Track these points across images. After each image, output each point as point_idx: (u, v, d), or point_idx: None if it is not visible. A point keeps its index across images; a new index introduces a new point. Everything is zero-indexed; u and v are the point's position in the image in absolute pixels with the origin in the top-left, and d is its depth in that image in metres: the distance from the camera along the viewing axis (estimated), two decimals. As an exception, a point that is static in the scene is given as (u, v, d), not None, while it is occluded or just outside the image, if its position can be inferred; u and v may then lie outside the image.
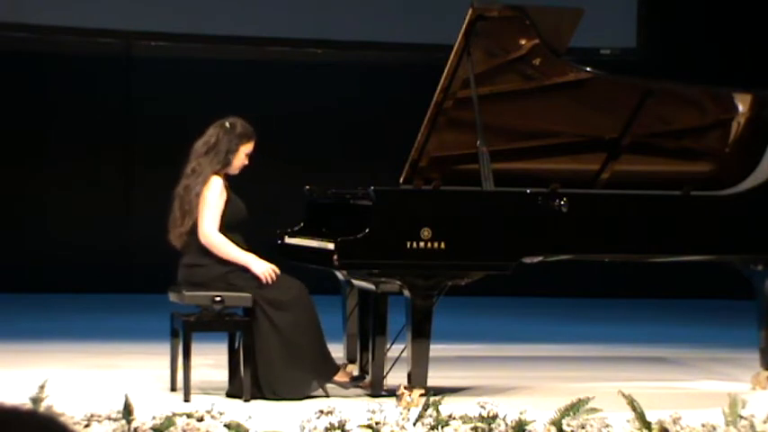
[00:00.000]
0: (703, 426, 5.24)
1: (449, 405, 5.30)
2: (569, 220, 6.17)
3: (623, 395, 5.25)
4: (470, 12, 6.21)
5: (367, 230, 5.95)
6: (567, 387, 6.57)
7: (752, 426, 5.22)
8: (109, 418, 5.04)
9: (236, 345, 6.31)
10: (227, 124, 6.31)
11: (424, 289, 5.97)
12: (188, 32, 11.90)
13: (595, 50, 11.73)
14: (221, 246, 6.18)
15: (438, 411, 5.19)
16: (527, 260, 6.19)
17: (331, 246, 6.03)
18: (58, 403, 5.16)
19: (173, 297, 6.31)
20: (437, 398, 5.26)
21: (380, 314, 6.31)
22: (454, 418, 5.18)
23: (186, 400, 5.99)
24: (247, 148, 6.32)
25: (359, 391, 6.33)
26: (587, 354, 8.34)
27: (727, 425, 5.24)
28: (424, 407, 5.23)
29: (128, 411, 5.07)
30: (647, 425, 5.19)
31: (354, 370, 6.61)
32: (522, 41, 6.41)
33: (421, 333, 5.97)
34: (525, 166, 6.76)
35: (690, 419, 5.25)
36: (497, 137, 6.55)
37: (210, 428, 5.01)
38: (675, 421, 5.20)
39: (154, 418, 5.06)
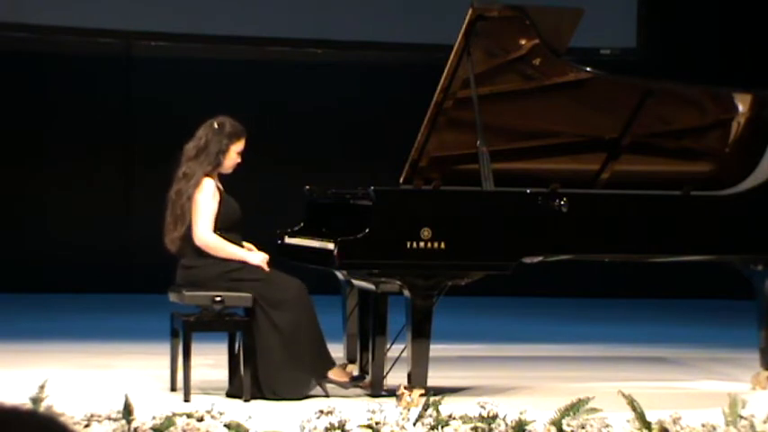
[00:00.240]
0: (703, 426, 5.23)
1: (449, 405, 5.30)
2: (569, 220, 6.17)
3: (623, 395, 5.25)
4: (470, 12, 6.21)
5: (367, 230, 5.95)
6: (567, 387, 6.57)
7: (752, 426, 5.22)
8: (109, 418, 5.04)
9: (237, 345, 6.31)
10: (216, 124, 6.30)
11: (424, 289, 5.97)
12: (188, 32, 11.90)
13: (595, 50, 11.73)
14: (217, 246, 6.19)
15: (438, 411, 5.19)
16: (527, 260, 6.19)
17: (331, 246, 6.03)
18: (58, 403, 5.16)
19: (173, 297, 6.31)
20: (437, 398, 5.26)
21: (380, 314, 6.31)
22: (454, 418, 5.18)
23: (186, 400, 5.99)
24: (238, 146, 6.31)
25: (359, 391, 6.33)
26: (587, 354, 8.34)
27: (727, 425, 5.24)
28: (424, 407, 5.23)
29: (128, 411, 5.07)
30: (647, 425, 5.19)
31: (354, 370, 6.61)
32: (522, 41, 6.41)
33: (421, 333, 5.97)
34: (525, 166, 6.76)
35: (690, 419, 5.25)
36: (497, 137, 6.55)
37: (210, 428, 5.01)
38: (675, 421, 5.20)
39: (154, 418, 5.06)
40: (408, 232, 5.94)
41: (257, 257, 6.24)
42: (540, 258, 6.25)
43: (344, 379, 6.31)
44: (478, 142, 6.25)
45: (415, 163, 6.60)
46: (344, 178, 7.40)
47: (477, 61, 6.31)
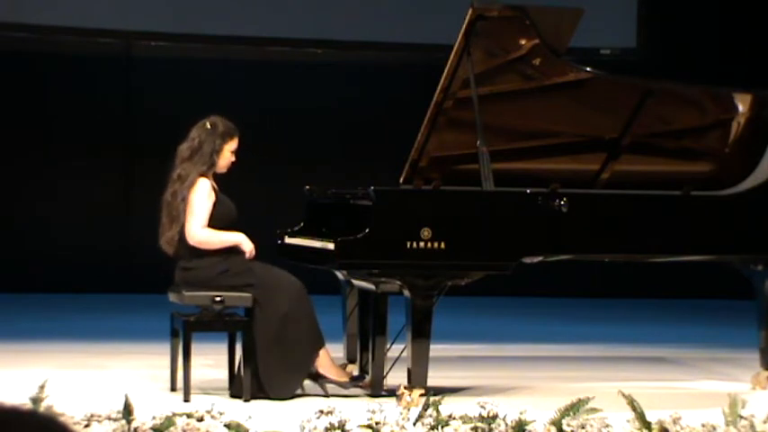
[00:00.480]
0: (703, 426, 5.23)
1: (449, 405, 5.30)
2: (569, 220, 6.17)
3: (623, 395, 5.25)
4: (470, 12, 6.21)
5: (367, 230, 5.95)
6: (567, 387, 6.57)
7: (752, 426, 5.22)
8: (109, 418, 5.04)
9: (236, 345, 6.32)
10: (209, 125, 6.30)
11: (424, 289, 5.97)
12: (188, 32, 11.90)
13: (595, 50, 11.73)
14: (210, 240, 6.19)
15: (438, 411, 5.19)
16: (527, 260, 6.19)
17: (331, 246, 6.03)
18: (58, 403, 5.16)
19: (173, 297, 6.31)
20: (437, 398, 5.26)
21: (380, 314, 6.31)
22: (454, 418, 5.18)
23: (186, 400, 5.99)
24: (231, 145, 6.32)
25: (359, 391, 6.33)
26: (587, 354, 8.34)
27: (727, 425, 5.24)
28: (424, 407, 5.23)
29: (128, 411, 5.07)
30: (647, 425, 5.19)
31: (354, 370, 6.61)
32: (522, 41, 6.41)
33: (421, 333, 5.97)
34: (525, 166, 6.76)
35: (690, 419, 5.25)
36: (497, 137, 6.55)
37: (210, 428, 5.01)
38: (675, 421, 5.20)
39: (154, 418, 5.06)
40: (408, 232, 5.94)
41: (250, 245, 6.24)
42: (540, 258, 6.25)
43: (344, 379, 6.31)
44: (478, 142, 6.25)
45: (415, 163, 6.60)
46: (344, 178, 7.42)
47: (477, 61, 6.31)
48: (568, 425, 5.15)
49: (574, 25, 6.45)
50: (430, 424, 5.14)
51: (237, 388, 6.16)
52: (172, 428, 5.02)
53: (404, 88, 11.74)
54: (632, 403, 5.23)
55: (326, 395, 6.19)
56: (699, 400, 6.34)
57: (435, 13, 11.47)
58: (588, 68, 6.57)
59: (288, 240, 6.77)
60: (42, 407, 5.07)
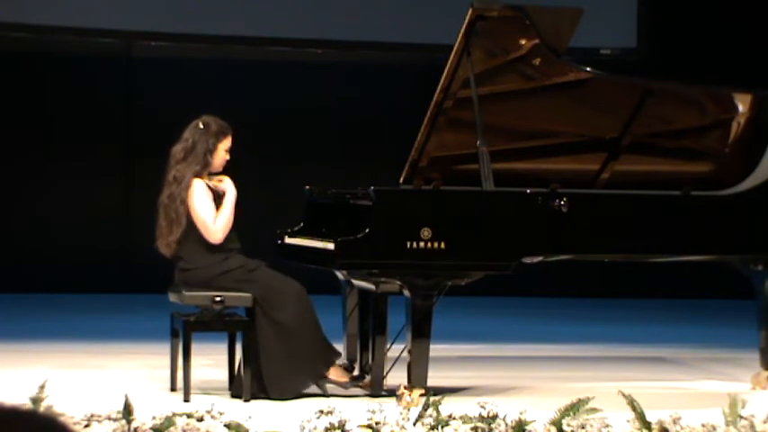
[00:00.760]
0: (703, 426, 5.23)
1: (449, 405, 5.29)
2: (569, 220, 6.17)
3: (623, 395, 5.25)
4: (470, 12, 6.21)
5: (367, 230, 5.95)
6: (567, 387, 6.57)
7: (752, 426, 5.22)
8: (109, 418, 5.04)
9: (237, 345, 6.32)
10: (201, 124, 6.30)
11: (424, 289, 5.97)
12: (188, 32, 11.89)
13: (595, 50, 11.73)
14: (227, 224, 6.22)
15: (438, 411, 5.19)
16: (527, 260, 6.19)
17: (331, 246, 6.03)
18: (58, 403, 5.16)
19: (173, 297, 6.31)
20: (437, 398, 5.26)
21: (380, 314, 6.32)
22: (454, 418, 5.18)
23: (186, 400, 5.99)
24: (225, 144, 6.32)
25: (359, 391, 6.33)
26: (587, 354, 8.34)
27: (727, 425, 5.24)
28: (424, 407, 5.23)
29: (128, 411, 5.07)
30: (647, 425, 5.19)
31: (354, 370, 6.61)
32: (522, 41, 6.41)
33: (421, 333, 5.97)
34: (525, 166, 6.76)
35: (690, 419, 5.25)
36: (497, 137, 6.55)
37: (210, 428, 5.01)
38: (675, 421, 5.20)
39: (154, 418, 5.06)
40: (408, 232, 5.94)
41: (234, 189, 6.28)
42: (540, 258, 6.25)
43: (344, 379, 6.31)
44: (478, 142, 6.25)
45: (415, 163, 6.60)
46: (344, 178, 7.42)
47: (477, 61, 6.31)
48: (568, 425, 5.14)
49: (574, 25, 6.45)
50: (430, 424, 5.14)
51: (237, 388, 6.16)
52: (172, 428, 5.02)
53: (404, 88, 11.75)
54: (632, 403, 5.23)
55: (326, 395, 6.19)
56: (699, 400, 6.34)
57: (435, 13, 11.47)
58: (588, 68, 6.57)
59: (288, 240, 6.77)
60: (42, 407, 5.07)
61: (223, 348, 6.42)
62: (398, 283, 6.01)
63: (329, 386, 6.26)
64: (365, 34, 12.04)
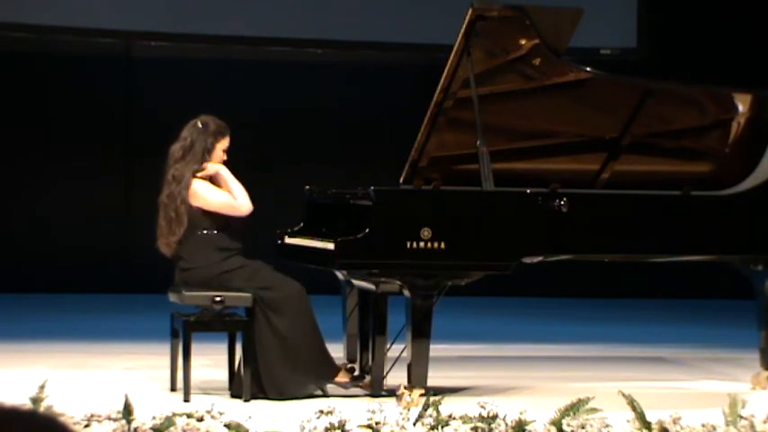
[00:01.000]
0: (703, 426, 5.23)
1: (449, 405, 5.29)
2: (569, 220, 6.17)
3: (623, 395, 5.25)
4: (470, 12, 6.20)
5: (367, 230, 5.95)
6: (567, 387, 6.57)
7: (752, 426, 5.22)
8: (109, 418, 5.04)
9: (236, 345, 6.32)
10: (200, 123, 6.31)
11: (424, 289, 5.97)
12: (188, 32, 11.90)
13: (595, 50, 11.73)
14: (245, 193, 6.27)
15: (438, 411, 5.19)
16: (527, 260, 6.19)
17: (331, 246, 6.03)
18: (58, 403, 5.16)
19: (173, 297, 6.31)
20: (437, 398, 5.26)
21: (380, 314, 6.32)
22: (454, 418, 5.18)
23: (186, 400, 5.99)
24: (223, 144, 6.33)
25: (359, 391, 6.33)
26: (587, 354, 8.34)
27: (727, 425, 5.24)
28: (424, 407, 5.23)
29: (128, 411, 5.07)
30: (647, 425, 5.19)
31: (354, 370, 6.61)
32: (522, 41, 6.41)
33: (421, 333, 5.97)
34: (525, 166, 6.76)
35: (690, 419, 5.25)
36: (497, 137, 6.55)
37: (210, 428, 5.01)
38: (675, 421, 5.20)
39: (154, 418, 5.06)
40: (408, 232, 5.94)
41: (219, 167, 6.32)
42: (540, 258, 6.25)
43: (345, 379, 6.31)
44: (478, 142, 6.25)
45: (415, 163, 6.60)
46: (344, 178, 7.42)
47: (477, 61, 6.31)
48: (568, 425, 5.14)
49: (574, 25, 6.45)
50: (430, 424, 5.14)
51: (237, 388, 6.16)
52: (172, 428, 5.01)
53: (404, 88, 11.75)
54: (632, 403, 5.23)
55: (326, 395, 6.19)
56: (699, 400, 6.34)
57: (435, 13, 11.47)
58: (588, 68, 6.56)
59: (288, 240, 6.77)
60: (42, 407, 5.07)
61: (223, 348, 6.42)
62: (398, 283, 6.01)
63: (329, 386, 6.26)
64: (365, 34, 12.04)
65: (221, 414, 5.10)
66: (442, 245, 5.96)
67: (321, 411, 5.08)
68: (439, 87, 6.41)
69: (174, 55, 12.10)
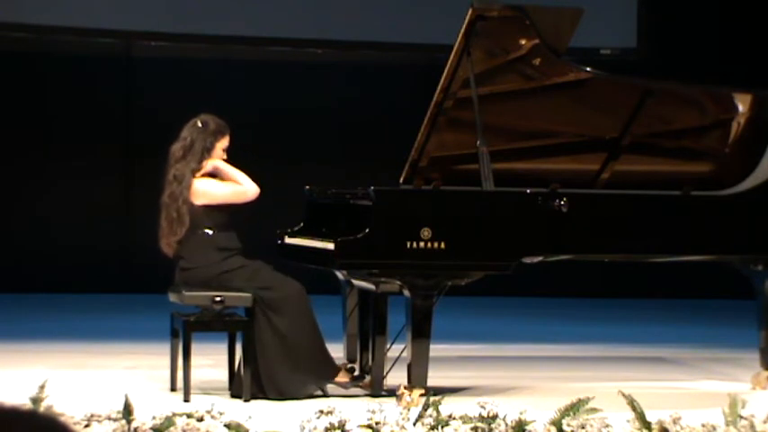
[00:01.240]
0: (703, 426, 5.23)
1: (449, 405, 5.29)
2: (569, 220, 6.17)
3: (623, 395, 5.25)
4: (470, 12, 6.21)
5: (367, 230, 5.95)
6: (567, 387, 6.57)
7: (752, 426, 5.22)
8: (109, 418, 5.04)
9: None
10: (200, 123, 6.31)
11: (424, 289, 5.97)
12: (188, 32, 11.89)
13: (595, 50, 11.73)
14: (246, 177, 6.29)
15: (438, 411, 5.19)
16: (527, 260, 6.19)
17: (331, 246, 6.03)
18: (58, 403, 5.16)
19: (173, 297, 6.31)
20: (437, 398, 5.26)
21: (380, 314, 6.32)
22: (454, 418, 5.18)
23: (186, 400, 5.99)
24: (223, 143, 6.34)
25: (359, 391, 6.33)
26: (587, 354, 8.34)
27: (727, 425, 5.24)
28: (424, 407, 5.23)
29: (128, 411, 5.07)
30: (647, 425, 5.19)
31: (354, 370, 6.61)
32: (522, 41, 6.41)
33: (421, 333, 5.97)
34: (525, 166, 6.76)
35: (690, 419, 5.25)
36: (497, 137, 6.55)
37: (210, 428, 5.01)
38: (675, 421, 5.20)
39: (154, 418, 5.06)
40: (408, 232, 5.94)
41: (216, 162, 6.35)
42: (540, 258, 6.25)
43: (345, 379, 6.31)
44: (478, 142, 6.25)
45: (415, 163, 6.60)
46: (344, 178, 7.42)
47: (477, 61, 6.31)
48: (568, 425, 5.14)
49: (574, 25, 6.45)
50: (430, 424, 5.14)
51: (237, 388, 6.16)
52: (172, 428, 5.02)
53: (404, 88, 11.75)
54: (632, 403, 5.23)
55: (326, 395, 6.19)
56: (699, 400, 6.34)
57: (435, 13, 11.47)
58: (588, 68, 6.56)
59: (288, 240, 6.77)
60: (42, 407, 5.07)
61: (223, 348, 6.42)
62: (398, 283, 6.01)
63: (329, 386, 6.26)
64: (365, 34, 12.04)
65: (221, 414, 5.10)
66: (442, 245, 5.96)
67: (321, 411, 5.08)
68: (439, 87, 6.41)
69: (174, 55, 12.10)
